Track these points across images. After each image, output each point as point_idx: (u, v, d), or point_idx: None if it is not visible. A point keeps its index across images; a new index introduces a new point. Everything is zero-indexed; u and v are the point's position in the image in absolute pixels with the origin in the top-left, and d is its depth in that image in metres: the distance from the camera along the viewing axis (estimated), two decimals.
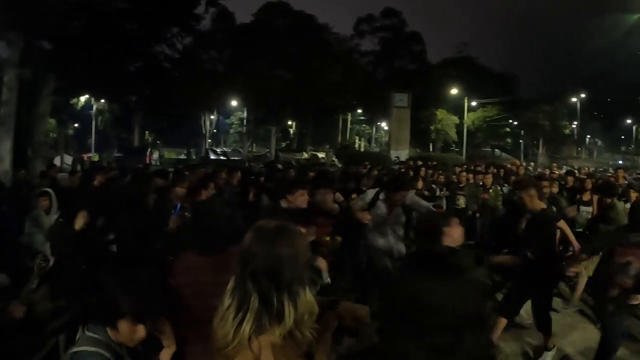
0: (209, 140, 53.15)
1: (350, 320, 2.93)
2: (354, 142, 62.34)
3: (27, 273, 4.90)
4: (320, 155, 44.71)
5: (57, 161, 26.27)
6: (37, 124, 18.31)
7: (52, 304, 4.44)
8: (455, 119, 53.55)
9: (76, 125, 48.90)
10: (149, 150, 37.17)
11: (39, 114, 18.35)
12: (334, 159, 38.83)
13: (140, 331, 2.35)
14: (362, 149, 59.52)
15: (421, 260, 2.01)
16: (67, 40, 18.30)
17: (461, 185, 12.36)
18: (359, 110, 58.43)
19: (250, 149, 50.69)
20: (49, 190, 7.30)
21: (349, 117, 61.23)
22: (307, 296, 2.02)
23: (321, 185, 5.83)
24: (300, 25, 44.80)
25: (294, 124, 59.65)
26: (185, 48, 34.13)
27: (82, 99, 41.63)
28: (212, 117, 52.15)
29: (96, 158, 32.83)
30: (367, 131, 71.07)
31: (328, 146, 54.35)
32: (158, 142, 50.73)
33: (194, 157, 43.24)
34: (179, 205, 5.74)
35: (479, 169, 14.40)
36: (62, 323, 4.47)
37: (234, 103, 49.01)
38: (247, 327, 1.93)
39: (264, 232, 2.06)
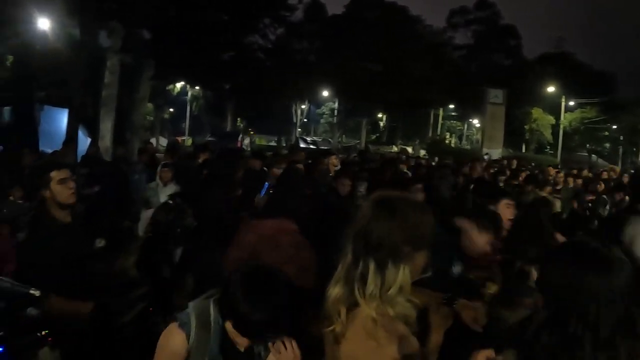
0: (299, 129, 53.86)
1: (467, 319, 2.78)
2: (445, 138, 60.50)
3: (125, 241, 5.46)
4: (410, 149, 44.08)
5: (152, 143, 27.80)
6: (137, 106, 19.48)
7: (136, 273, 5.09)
8: (551, 119, 50.81)
9: (171, 109, 51.15)
10: (241, 135, 38.29)
11: (139, 97, 19.49)
12: (423, 154, 38.14)
13: None
14: (452, 146, 58.23)
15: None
16: (164, 30, 19.50)
17: (557, 187, 11.14)
18: (451, 106, 56.58)
19: (340, 140, 50.97)
20: (171, 163, 7.63)
21: (441, 113, 59.51)
22: (405, 273, 1.93)
23: None
24: (392, 17, 44.18)
25: (384, 116, 59.03)
26: (278, 39, 35.06)
27: (178, 85, 43.38)
28: (303, 106, 52.60)
29: (189, 141, 34.43)
30: (459, 127, 68.92)
31: (418, 141, 53.30)
32: (249, 129, 52.28)
33: (284, 145, 44.18)
34: (267, 184, 5.76)
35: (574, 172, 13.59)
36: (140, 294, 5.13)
37: (325, 93, 48.94)
38: (354, 299, 1.92)
39: (384, 203, 1.99)
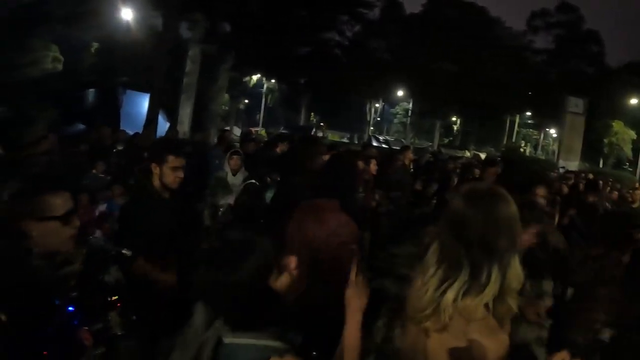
0: (372, 128, 53.69)
1: (530, 314, 2.81)
2: (520, 147, 58.56)
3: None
4: (483, 156, 42.59)
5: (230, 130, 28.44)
6: (215, 95, 20.00)
7: None
8: (632, 134, 48.30)
9: (247, 101, 52.07)
10: (314, 130, 38.54)
11: (217, 87, 19.98)
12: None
13: None
14: (527, 155, 56.22)
15: None
16: (244, 23, 19.94)
17: (634, 205, 10.72)
18: (528, 113, 54.83)
19: (412, 141, 50.50)
20: (240, 151, 7.70)
21: (517, 119, 57.58)
22: (517, 267, 1.87)
23: None
24: (470, 18, 43.31)
25: (458, 120, 57.82)
26: (354, 36, 35.11)
27: (255, 77, 44.08)
28: (377, 105, 52.49)
29: (263, 132, 34.94)
30: (534, 136, 66.43)
31: (492, 148, 51.84)
32: (322, 124, 52.54)
33: (356, 142, 44.13)
34: None
35: None
36: None
37: (399, 93, 48.50)
38: (450, 295, 1.83)
39: (478, 195, 1.92)
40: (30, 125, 12.23)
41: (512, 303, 1.88)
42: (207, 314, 1.81)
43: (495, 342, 1.83)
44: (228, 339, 1.77)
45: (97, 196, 6.15)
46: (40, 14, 18.11)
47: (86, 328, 2.77)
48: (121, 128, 14.06)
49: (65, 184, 2.43)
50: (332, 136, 49.59)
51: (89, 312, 2.93)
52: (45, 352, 2.24)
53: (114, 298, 3.50)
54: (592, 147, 45.79)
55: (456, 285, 1.83)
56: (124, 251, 3.24)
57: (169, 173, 3.71)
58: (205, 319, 1.81)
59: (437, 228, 1.98)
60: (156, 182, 3.76)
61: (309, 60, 28.70)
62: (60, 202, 2.32)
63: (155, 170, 3.72)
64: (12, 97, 14.71)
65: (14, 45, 18.25)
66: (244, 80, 36.82)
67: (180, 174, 3.78)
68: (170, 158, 3.70)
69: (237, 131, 34.21)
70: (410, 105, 51.79)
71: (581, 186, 10.77)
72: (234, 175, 7.05)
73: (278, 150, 8.46)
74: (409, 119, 52.96)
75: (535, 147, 66.14)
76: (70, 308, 2.52)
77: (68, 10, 18.22)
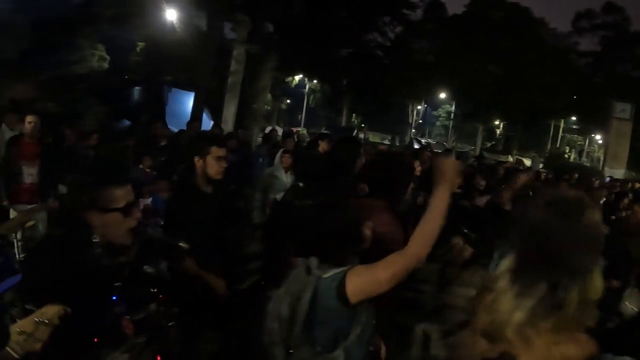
0: (414, 130, 53.26)
1: None
2: (564, 152, 56.90)
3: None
4: (526, 161, 41.62)
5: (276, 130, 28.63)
6: (258, 95, 20.16)
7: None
8: None
9: (288, 101, 52.26)
10: (355, 131, 38.48)
11: (261, 86, 20.14)
12: (541, 167, 35.92)
13: None
14: (571, 161, 54.55)
15: None
16: (287, 25, 20.10)
17: None
18: (573, 118, 53.22)
19: (454, 144, 49.85)
20: (290, 150, 7.79)
21: (561, 124, 56.28)
22: (598, 279, 1.72)
23: None
24: (513, 19, 42.22)
25: (501, 124, 56.85)
26: (397, 37, 34.93)
27: (297, 77, 44.10)
28: (419, 107, 52.01)
29: (304, 132, 35.10)
30: (579, 142, 64.26)
31: (535, 153, 50.39)
32: (363, 125, 52.36)
33: (398, 144, 43.88)
34: None
35: None
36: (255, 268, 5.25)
37: (442, 95, 47.88)
38: (521, 313, 1.71)
39: (564, 203, 1.76)
40: (78, 119, 12.65)
41: (591, 315, 1.74)
42: (305, 264, 2.51)
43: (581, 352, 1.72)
44: (327, 274, 2.42)
45: (143, 190, 6.27)
46: (87, 15, 18.69)
47: (128, 317, 2.85)
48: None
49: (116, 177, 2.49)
50: (373, 138, 49.39)
51: (132, 302, 3.02)
52: (96, 339, 2.31)
53: (155, 289, 3.60)
54: (638, 155, 44.40)
55: (535, 300, 1.70)
56: (180, 243, 3.32)
57: (212, 163, 3.75)
58: (304, 268, 2.50)
59: (512, 237, 1.83)
60: (199, 177, 3.80)
61: (350, 62, 28.73)
62: (122, 194, 2.37)
63: (199, 163, 3.76)
64: (61, 93, 15.20)
65: (62, 44, 18.94)
66: (286, 80, 36.98)
67: (224, 164, 3.81)
68: (214, 149, 3.74)
69: (279, 131, 34.43)
70: (453, 107, 51.16)
71: (630, 196, 10.16)
72: (285, 173, 7.15)
73: (320, 149, 8.48)
74: (451, 121, 52.26)
75: (580, 154, 64.23)
76: (113, 297, 2.57)
77: (114, 12, 18.76)
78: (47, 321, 1.89)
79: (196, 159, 3.77)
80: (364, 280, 2.39)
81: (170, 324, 3.49)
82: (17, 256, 4.53)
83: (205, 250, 3.63)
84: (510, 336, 1.71)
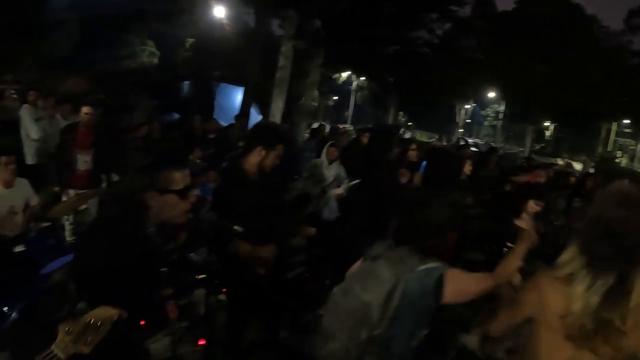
0: (461, 130, 52.42)
1: None
2: (615, 157, 55.11)
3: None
4: (576, 165, 40.17)
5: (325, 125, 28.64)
6: (306, 91, 20.25)
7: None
8: None
9: (335, 97, 52.24)
10: (402, 130, 38.16)
11: (308, 82, 20.21)
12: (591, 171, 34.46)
13: None
14: (623, 166, 52.83)
15: None
16: (335, 20, 20.10)
17: None
18: (626, 121, 50.89)
19: (502, 145, 48.79)
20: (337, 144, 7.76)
21: (613, 127, 54.26)
22: None
23: None
24: (565, 16, 40.57)
25: (551, 125, 55.10)
26: (445, 34, 34.38)
27: (344, 74, 43.96)
28: (467, 106, 51.07)
29: (351, 129, 35.03)
30: (632, 147, 61.70)
31: (585, 157, 48.76)
32: (410, 123, 51.89)
33: (445, 144, 43.23)
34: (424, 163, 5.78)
35: None
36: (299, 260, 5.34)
37: (491, 94, 46.61)
38: (596, 297, 1.79)
39: (634, 198, 1.83)
40: (129, 112, 12.96)
41: None
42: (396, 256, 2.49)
43: None
44: (422, 267, 2.40)
45: (193, 181, 6.32)
46: (136, 12, 19.15)
47: (173, 302, 2.90)
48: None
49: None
50: (420, 136, 48.86)
51: (178, 288, 3.08)
52: (142, 322, 2.35)
53: (201, 276, 3.66)
54: None
55: (605, 293, 1.79)
56: (235, 227, 3.37)
57: (273, 159, 3.92)
58: (392, 257, 2.48)
59: (579, 233, 1.94)
60: (253, 165, 3.88)
61: (397, 59, 28.48)
62: (180, 177, 2.45)
63: (261, 153, 3.86)
64: (112, 86, 15.62)
65: (113, 40, 19.46)
66: (333, 76, 36.92)
67: (277, 162, 4.00)
68: (280, 146, 3.95)
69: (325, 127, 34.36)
70: (502, 107, 50.06)
71: None
72: (329, 164, 7.19)
73: (364, 140, 8.47)
74: (499, 122, 51.16)
75: (632, 159, 62.06)
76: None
77: (162, 9, 19.15)
78: (99, 324, 1.77)
79: (259, 148, 3.86)
80: (460, 287, 2.42)
81: (215, 310, 3.54)
82: (67, 239, 4.64)
83: (253, 238, 3.67)
84: (596, 332, 1.79)
